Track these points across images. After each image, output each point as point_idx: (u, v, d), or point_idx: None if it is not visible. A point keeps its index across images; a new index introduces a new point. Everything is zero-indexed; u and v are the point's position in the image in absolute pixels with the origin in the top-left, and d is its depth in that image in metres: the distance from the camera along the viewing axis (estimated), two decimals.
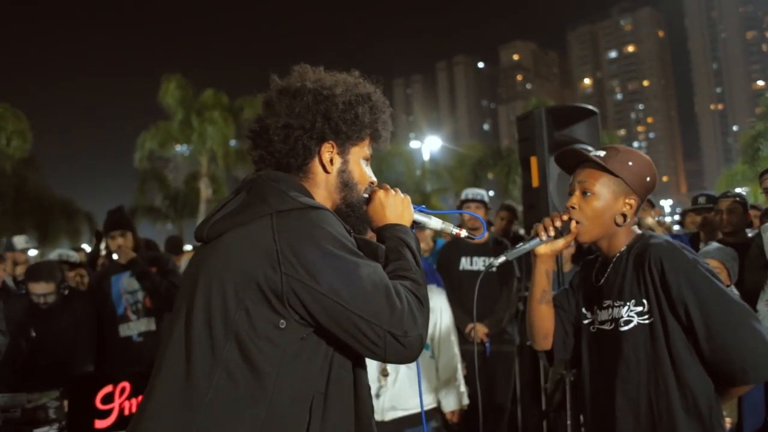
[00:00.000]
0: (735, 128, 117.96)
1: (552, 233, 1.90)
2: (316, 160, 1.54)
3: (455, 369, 3.38)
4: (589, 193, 1.87)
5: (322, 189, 1.56)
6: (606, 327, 1.89)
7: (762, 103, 26.35)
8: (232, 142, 22.38)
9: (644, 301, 1.79)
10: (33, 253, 7.29)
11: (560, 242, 1.92)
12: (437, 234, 7.37)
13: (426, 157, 27.37)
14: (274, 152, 1.52)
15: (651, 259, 1.77)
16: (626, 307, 1.82)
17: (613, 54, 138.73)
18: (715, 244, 3.58)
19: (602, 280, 1.93)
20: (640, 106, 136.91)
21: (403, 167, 26.00)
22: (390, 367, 3.09)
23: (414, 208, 1.66)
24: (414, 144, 29.39)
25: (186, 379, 1.34)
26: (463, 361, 4.88)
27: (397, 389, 3.08)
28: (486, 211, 5.03)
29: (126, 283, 4.41)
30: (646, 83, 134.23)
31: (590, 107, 4.13)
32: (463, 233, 1.74)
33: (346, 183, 1.57)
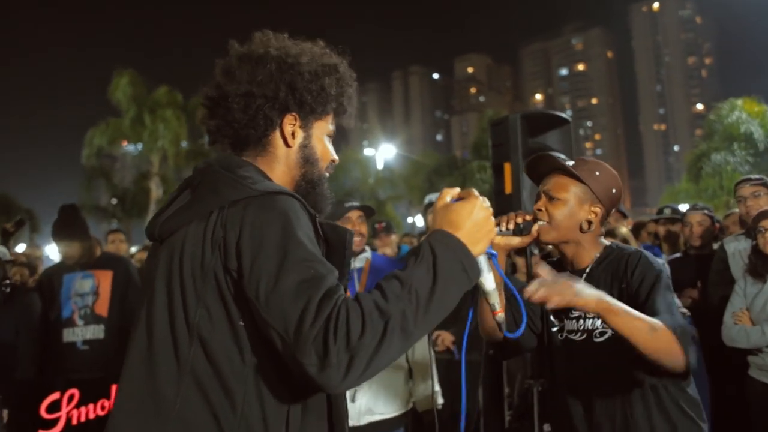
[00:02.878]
0: (676, 148, 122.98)
1: (511, 227, 1.90)
2: (277, 132, 1.43)
3: (427, 366, 3.28)
4: (555, 199, 1.93)
5: (282, 164, 1.45)
6: (576, 337, 1.94)
7: (705, 126, 27.54)
8: (184, 143, 21.83)
9: None
10: None
11: (516, 239, 1.92)
12: (402, 240, 7.27)
13: (380, 165, 27.38)
14: (232, 122, 1.40)
15: (630, 269, 1.86)
16: (600, 319, 1.85)
17: (564, 71, 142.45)
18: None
19: None
20: (589, 123, 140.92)
21: (358, 174, 25.92)
22: None
23: (488, 250, 1.36)
24: (368, 151, 29.36)
25: (151, 386, 1.25)
26: None
27: (374, 392, 2.97)
28: None
29: (78, 285, 4.14)
30: (594, 101, 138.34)
31: (564, 115, 4.11)
32: (500, 317, 1.44)
33: (307, 158, 1.46)
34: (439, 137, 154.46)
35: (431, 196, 5.16)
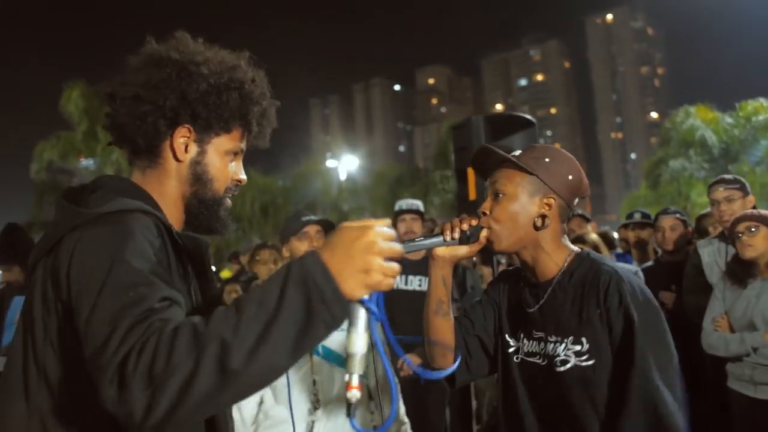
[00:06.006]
0: (633, 156, 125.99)
1: (456, 236, 1.65)
2: (168, 143, 1.33)
3: (398, 401, 2.97)
4: (501, 195, 1.66)
5: (172, 179, 1.35)
6: (537, 361, 1.69)
7: (661, 134, 28.17)
8: None
9: (583, 339, 1.59)
10: None
11: (463, 249, 1.69)
12: None
13: (343, 176, 27.12)
14: (122, 125, 1.32)
15: (604, 293, 1.57)
16: (563, 345, 1.62)
17: (523, 82, 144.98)
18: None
19: (536, 307, 1.70)
20: (548, 132, 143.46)
21: (320, 186, 25.61)
22: (320, 395, 2.69)
23: (369, 303, 1.01)
24: (331, 163, 29.10)
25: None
26: None
27: (332, 423, 2.68)
28: (423, 222, 4.71)
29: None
30: (553, 111, 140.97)
31: (528, 117, 3.97)
32: (352, 394, 1.02)
33: (198, 176, 1.35)
34: (401, 148, 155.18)
35: (401, 203, 4.86)
